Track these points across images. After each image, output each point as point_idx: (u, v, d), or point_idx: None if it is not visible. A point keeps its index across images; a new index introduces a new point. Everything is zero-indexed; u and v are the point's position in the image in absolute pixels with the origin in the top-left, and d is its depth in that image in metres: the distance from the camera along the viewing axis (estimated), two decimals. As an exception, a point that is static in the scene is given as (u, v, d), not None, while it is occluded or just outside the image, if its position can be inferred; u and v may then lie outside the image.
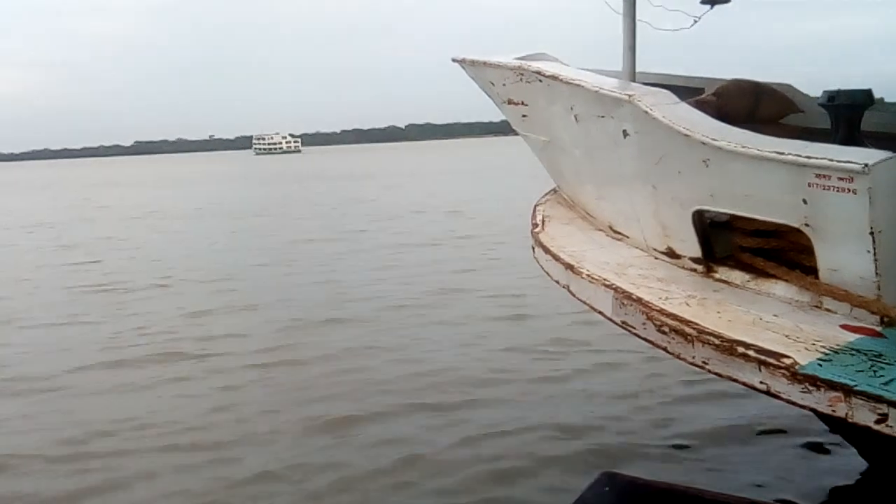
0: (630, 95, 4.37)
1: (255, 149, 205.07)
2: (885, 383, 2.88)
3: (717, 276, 4.18)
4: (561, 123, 5.15)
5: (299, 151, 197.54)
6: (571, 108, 4.92)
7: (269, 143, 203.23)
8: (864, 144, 3.90)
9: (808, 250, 3.63)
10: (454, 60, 6.17)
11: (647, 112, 4.21)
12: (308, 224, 24.05)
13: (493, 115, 6.39)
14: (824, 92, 4.27)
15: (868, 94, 4.19)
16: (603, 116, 4.62)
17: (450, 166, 63.14)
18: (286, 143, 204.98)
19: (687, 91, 5.07)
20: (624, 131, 4.45)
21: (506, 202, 24.07)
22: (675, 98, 4.35)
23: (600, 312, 4.27)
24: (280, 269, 15.47)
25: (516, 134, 6.11)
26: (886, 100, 5.02)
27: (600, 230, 5.19)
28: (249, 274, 15.16)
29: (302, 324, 10.64)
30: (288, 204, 33.18)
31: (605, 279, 4.27)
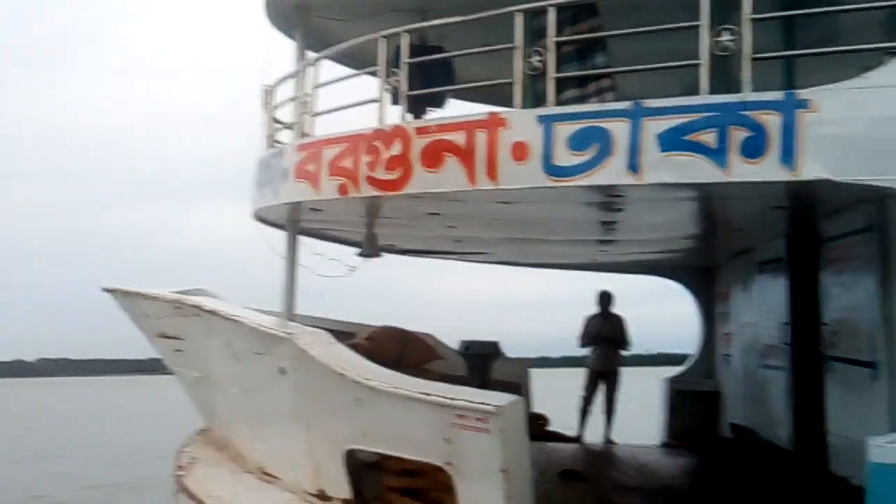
0: (289, 333, 4.48)
1: None
2: None
3: None
4: (218, 359, 5.06)
5: None
6: (230, 345, 4.88)
7: None
8: (495, 390, 4.36)
9: (451, 489, 3.82)
10: (105, 290, 5.91)
11: (304, 350, 4.32)
12: None
13: (140, 352, 6.07)
14: (461, 342, 4.77)
15: (496, 345, 4.77)
16: (261, 353, 4.64)
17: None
18: None
19: (341, 335, 5.33)
20: (281, 368, 4.49)
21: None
22: (332, 339, 4.54)
23: None
24: None
25: (167, 373, 5.86)
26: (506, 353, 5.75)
27: (250, 472, 4.99)
28: None
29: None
30: None
31: None
